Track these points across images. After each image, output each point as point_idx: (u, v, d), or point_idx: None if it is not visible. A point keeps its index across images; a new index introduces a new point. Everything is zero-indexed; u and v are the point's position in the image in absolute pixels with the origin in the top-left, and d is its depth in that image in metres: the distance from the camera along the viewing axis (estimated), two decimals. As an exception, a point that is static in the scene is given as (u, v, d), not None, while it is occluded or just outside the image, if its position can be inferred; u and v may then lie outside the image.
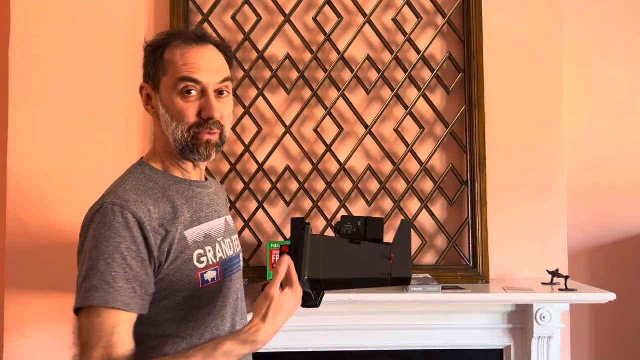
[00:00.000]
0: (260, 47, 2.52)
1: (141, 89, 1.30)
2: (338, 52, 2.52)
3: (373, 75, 2.54)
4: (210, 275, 1.28)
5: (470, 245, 2.49)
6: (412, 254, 2.49)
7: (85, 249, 1.20)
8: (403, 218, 2.34)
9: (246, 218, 2.49)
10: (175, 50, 1.26)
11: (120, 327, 1.11)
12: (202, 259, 1.27)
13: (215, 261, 1.30)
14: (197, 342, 1.23)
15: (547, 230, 2.54)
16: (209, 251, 1.29)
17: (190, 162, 1.30)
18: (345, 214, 2.50)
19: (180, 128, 1.24)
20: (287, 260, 1.18)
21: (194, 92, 1.25)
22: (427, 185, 2.55)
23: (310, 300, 1.25)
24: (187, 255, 1.24)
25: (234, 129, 2.52)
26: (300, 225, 1.35)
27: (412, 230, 2.31)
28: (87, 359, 1.09)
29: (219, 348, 1.10)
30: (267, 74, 2.53)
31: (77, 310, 1.14)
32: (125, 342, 1.11)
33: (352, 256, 1.35)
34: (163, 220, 1.22)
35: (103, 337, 1.09)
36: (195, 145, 1.25)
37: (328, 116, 2.52)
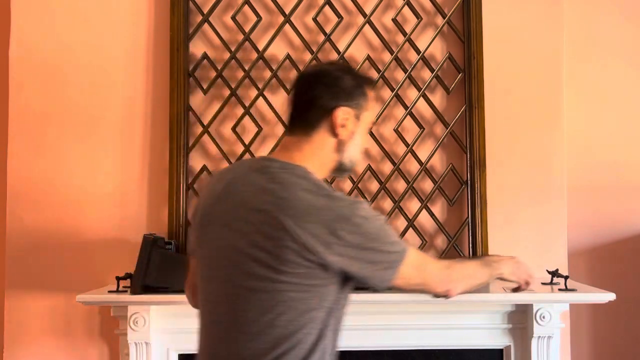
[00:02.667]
0: (260, 47, 2.52)
1: (343, 111, 1.33)
2: (338, 52, 2.52)
3: (373, 75, 2.54)
4: None
5: (470, 245, 2.49)
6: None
7: (365, 232, 1.24)
8: (402, 217, 2.34)
9: (246, 218, 2.49)
10: (371, 93, 1.40)
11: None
12: None
13: None
14: None
15: (547, 230, 2.54)
16: None
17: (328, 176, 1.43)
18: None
19: (360, 154, 1.40)
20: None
21: None
22: (427, 185, 2.55)
23: None
24: None
25: (234, 129, 2.52)
26: None
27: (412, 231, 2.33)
28: (435, 272, 1.33)
29: (487, 263, 1.46)
30: (267, 74, 2.53)
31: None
32: None
33: None
34: None
35: (421, 256, 1.34)
36: (354, 167, 1.41)
37: (328, 116, 2.52)
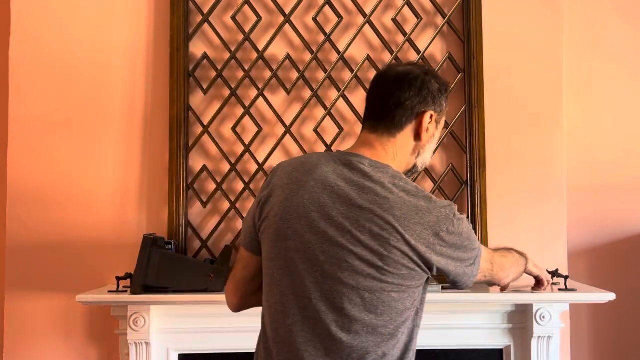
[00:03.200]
0: (260, 47, 2.52)
1: (430, 116, 1.38)
2: (338, 52, 2.52)
3: (373, 75, 2.53)
4: None
5: (470, 245, 2.49)
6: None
7: (460, 233, 1.31)
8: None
9: (246, 218, 2.49)
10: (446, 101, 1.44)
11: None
12: None
13: None
14: None
15: (547, 230, 2.54)
16: None
17: None
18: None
19: (431, 157, 1.45)
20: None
21: None
22: (427, 185, 2.55)
23: None
24: None
25: (234, 129, 2.52)
26: None
27: None
28: (499, 263, 1.48)
29: (519, 254, 1.67)
30: (267, 74, 2.53)
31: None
32: None
33: None
34: None
35: (488, 249, 1.47)
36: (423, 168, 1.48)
37: (328, 116, 2.52)
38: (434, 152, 1.67)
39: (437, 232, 1.25)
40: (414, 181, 2.48)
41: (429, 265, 1.26)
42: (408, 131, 1.36)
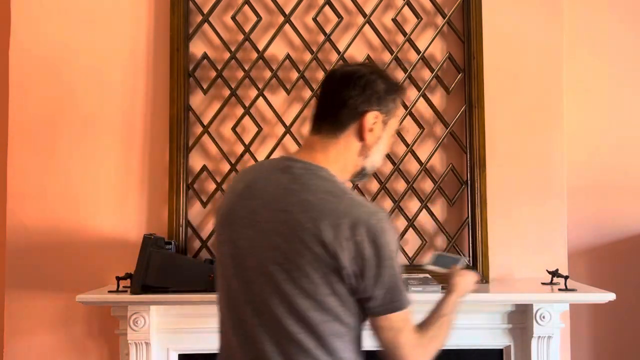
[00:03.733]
0: (260, 47, 2.52)
1: (375, 116, 1.33)
2: (338, 52, 2.52)
3: (373, 75, 2.54)
4: None
5: (470, 245, 2.49)
6: (412, 254, 2.51)
7: (390, 255, 1.24)
8: (403, 217, 2.36)
9: (246, 218, 2.49)
10: (400, 101, 1.41)
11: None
12: None
13: None
14: None
15: (547, 230, 2.54)
16: None
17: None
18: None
19: (381, 159, 1.41)
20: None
21: None
22: (427, 185, 2.55)
23: None
24: None
25: (234, 129, 2.52)
26: None
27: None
28: (406, 338, 1.28)
29: (445, 307, 1.44)
30: (267, 74, 2.53)
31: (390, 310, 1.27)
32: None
33: None
34: None
35: (409, 323, 1.29)
36: (373, 171, 1.44)
37: (328, 116, 2.52)
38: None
39: (352, 235, 1.19)
40: (413, 181, 2.50)
41: (339, 268, 1.20)
42: (351, 132, 1.32)
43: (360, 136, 1.32)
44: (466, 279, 1.59)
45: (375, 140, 1.34)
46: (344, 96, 1.32)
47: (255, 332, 1.24)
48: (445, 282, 2.36)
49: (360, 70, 1.36)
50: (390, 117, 1.36)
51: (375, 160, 1.37)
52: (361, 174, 1.38)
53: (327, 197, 1.23)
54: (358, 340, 1.31)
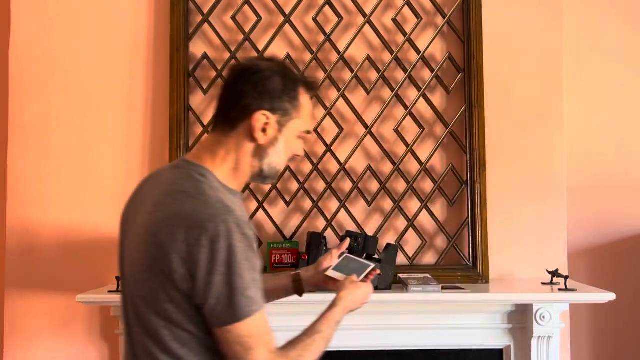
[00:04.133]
0: (260, 47, 2.52)
1: (266, 117, 1.25)
2: (338, 52, 2.52)
3: (373, 75, 2.54)
4: None
5: (470, 245, 2.49)
6: (412, 254, 2.51)
7: (227, 261, 1.13)
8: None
9: (246, 218, 2.49)
10: (307, 97, 1.31)
11: (268, 320, 1.20)
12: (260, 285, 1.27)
13: None
14: None
15: (547, 230, 2.54)
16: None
17: (251, 182, 1.37)
18: (346, 214, 2.50)
19: (285, 161, 1.32)
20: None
21: None
22: (427, 185, 2.55)
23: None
24: (259, 280, 1.24)
25: (234, 129, 2.52)
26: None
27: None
28: (258, 357, 1.16)
29: (322, 323, 1.33)
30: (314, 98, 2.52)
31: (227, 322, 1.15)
32: (272, 331, 1.21)
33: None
34: (250, 231, 1.22)
35: (265, 333, 1.18)
36: (277, 174, 1.34)
37: (328, 116, 2.52)
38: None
39: (188, 238, 1.12)
40: (413, 181, 2.50)
41: (175, 272, 1.13)
42: (243, 131, 1.25)
43: (252, 136, 1.25)
44: (356, 293, 1.43)
45: (270, 142, 1.26)
46: (237, 92, 1.26)
47: (133, 336, 1.23)
48: (445, 283, 2.38)
49: (258, 65, 1.28)
50: (289, 118, 1.27)
51: (274, 162, 1.29)
52: (261, 176, 1.30)
53: (180, 198, 1.17)
54: (213, 348, 1.18)
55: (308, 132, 1.33)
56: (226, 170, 1.26)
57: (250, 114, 1.24)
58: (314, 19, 2.53)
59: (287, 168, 2.51)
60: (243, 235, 1.14)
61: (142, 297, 1.19)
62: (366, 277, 1.49)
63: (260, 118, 1.24)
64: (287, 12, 2.52)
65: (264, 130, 1.25)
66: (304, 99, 1.30)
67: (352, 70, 2.52)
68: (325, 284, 1.55)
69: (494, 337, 2.42)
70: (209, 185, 1.20)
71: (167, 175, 1.26)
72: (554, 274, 2.34)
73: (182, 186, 1.20)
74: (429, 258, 2.56)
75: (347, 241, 1.63)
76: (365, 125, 2.52)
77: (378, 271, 1.54)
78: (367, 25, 2.54)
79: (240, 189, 1.31)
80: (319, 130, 2.52)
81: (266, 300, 1.39)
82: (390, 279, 2.29)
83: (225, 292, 1.12)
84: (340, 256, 1.57)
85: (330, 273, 1.52)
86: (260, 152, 1.27)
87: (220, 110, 1.29)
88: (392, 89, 2.53)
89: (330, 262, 1.56)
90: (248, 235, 1.16)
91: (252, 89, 1.25)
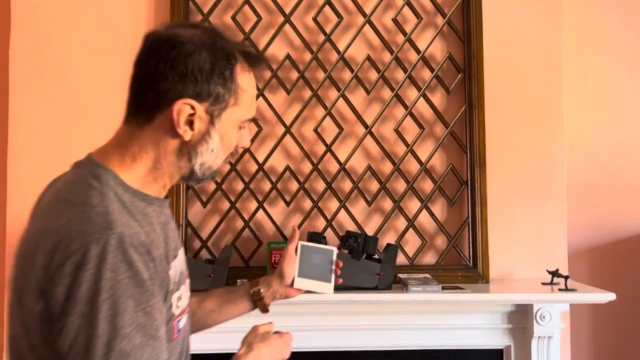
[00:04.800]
0: (260, 47, 2.52)
1: (191, 107, 0.96)
2: (338, 52, 2.52)
3: (373, 75, 2.54)
4: (182, 322, 1.08)
5: (470, 245, 2.49)
6: (412, 254, 2.50)
7: (91, 299, 0.82)
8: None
9: (246, 218, 2.49)
10: (248, 75, 1.02)
11: None
12: (179, 304, 1.04)
13: (185, 304, 1.09)
14: None
15: (547, 230, 2.54)
16: (184, 291, 1.09)
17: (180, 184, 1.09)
18: (346, 214, 2.50)
19: (222, 159, 1.04)
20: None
21: None
22: (427, 185, 2.55)
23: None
24: (168, 301, 0.99)
25: (234, 129, 2.51)
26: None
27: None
28: None
29: None
30: (267, 74, 2.52)
31: None
32: None
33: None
34: (156, 252, 0.95)
35: None
36: (216, 173, 1.07)
37: (328, 116, 2.52)
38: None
39: (49, 259, 0.85)
40: (413, 181, 2.49)
41: (26, 305, 0.87)
42: (161, 123, 0.96)
43: (174, 131, 0.96)
44: (269, 347, 1.18)
45: (200, 138, 0.97)
46: (150, 74, 0.97)
47: None
48: (445, 283, 2.38)
49: (177, 36, 0.97)
50: (224, 106, 0.97)
51: (208, 161, 1.01)
52: (192, 178, 1.03)
53: (59, 207, 0.91)
54: None
55: (253, 120, 1.07)
56: (141, 171, 0.99)
57: (168, 103, 0.95)
58: (314, 19, 2.53)
59: (287, 168, 2.51)
60: (127, 262, 0.84)
61: (12, 337, 0.92)
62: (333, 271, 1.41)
63: (183, 109, 0.95)
64: (287, 12, 2.52)
65: (190, 124, 0.96)
66: (244, 78, 1.00)
67: (352, 70, 2.52)
68: (294, 294, 1.40)
69: (494, 337, 2.42)
70: (100, 192, 0.92)
71: (64, 177, 1.02)
72: (554, 274, 2.34)
73: (69, 192, 0.94)
74: (429, 258, 2.56)
75: (297, 232, 1.42)
76: (365, 125, 2.52)
77: (341, 263, 1.44)
78: (367, 25, 2.54)
79: (162, 194, 1.04)
80: (319, 130, 2.52)
81: (214, 323, 1.31)
82: (390, 279, 2.29)
83: (81, 341, 0.81)
84: (296, 250, 1.41)
85: (299, 284, 1.38)
86: (187, 150, 0.98)
87: (131, 95, 1.01)
88: (392, 89, 2.53)
89: (292, 266, 1.38)
90: (135, 262, 0.85)
91: (169, 69, 0.94)
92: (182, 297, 1.06)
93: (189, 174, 1.02)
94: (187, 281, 1.14)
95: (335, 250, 1.44)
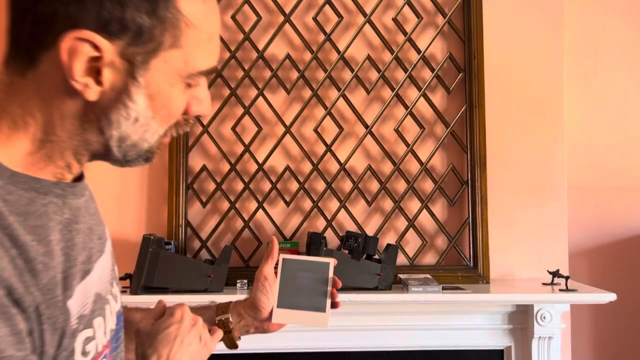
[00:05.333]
0: (260, 47, 2.52)
1: (84, 43, 0.61)
2: (338, 52, 2.52)
3: (373, 75, 2.54)
4: None
5: (471, 245, 2.49)
6: (413, 254, 2.50)
7: None
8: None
9: (246, 218, 2.48)
10: (201, 7, 0.66)
11: None
12: (88, 347, 0.70)
13: (105, 341, 0.76)
14: None
15: (548, 231, 2.54)
16: (99, 327, 0.74)
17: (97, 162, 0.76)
18: (346, 214, 2.50)
19: (158, 133, 0.71)
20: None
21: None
22: (427, 185, 2.55)
23: None
24: (67, 346, 0.66)
25: (233, 128, 2.51)
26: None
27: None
28: None
29: None
30: (267, 73, 2.52)
31: None
32: None
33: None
34: (37, 280, 0.63)
35: None
36: (152, 152, 0.75)
37: (328, 116, 2.51)
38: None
39: None
40: (413, 181, 2.49)
41: None
42: (50, 70, 0.62)
43: (69, 85, 0.62)
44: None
45: (115, 99, 0.65)
46: None
47: None
48: (445, 283, 2.37)
49: None
50: (154, 46, 0.64)
51: (134, 136, 0.70)
52: (111, 158, 0.74)
53: None
54: None
55: (209, 73, 0.73)
56: (25, 144, 0.65)
57: (55, 36, 0.60)
58: (314, 19, 2.53)
59: (287, 168, 2.50)
60: None
61: None
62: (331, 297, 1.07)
63: (79, 47, 0.60)
64: (287, 11, 2.52)
65: (96, 74, 0.62)
66: (195, 10, 0.65)
67: (352, 70, 2.51)
68: (276, 328, 1.06)
69: (494, 338, 2.42)
70: None
71: None
72: (555, 274, 2.33)
73: None
74: (430, 258, 2.55)
75: (275, 245, 1.08)
76: (366, 125, 2.52)
77: (339, 284, 1.10)
78: (367, 25, 2.54)
79: (68, 177, 0.73)
80: (319, 130, 2.52)
81: None
82: (390, 280, 2.28)
83: None
84: (276, 269, 1.05)
85: (280, 318, 1.02)
86: (95, 116, 0.66)
87: (9, 22, 0.64)
88: (392, 89, 2.53)
89: (270, 292, 1.03)
90: None
91: None
92: (96, 337, 0.72)
93: (103, 152, 0.71)
94: (114, 305, 0.79)
95: (332, 263, 1.07)
